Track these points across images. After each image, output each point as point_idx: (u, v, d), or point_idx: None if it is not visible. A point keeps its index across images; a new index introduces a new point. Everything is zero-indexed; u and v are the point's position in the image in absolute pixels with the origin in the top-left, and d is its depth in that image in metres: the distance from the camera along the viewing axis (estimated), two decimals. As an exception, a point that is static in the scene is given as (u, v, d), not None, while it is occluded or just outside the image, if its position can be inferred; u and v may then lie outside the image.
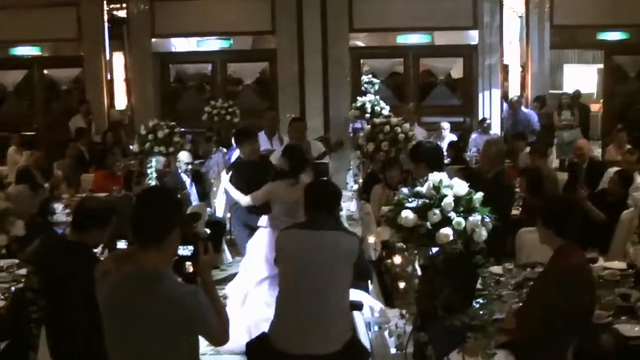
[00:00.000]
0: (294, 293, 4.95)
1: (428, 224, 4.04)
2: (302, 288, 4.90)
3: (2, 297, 5.83)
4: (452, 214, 4.04)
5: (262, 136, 9.98)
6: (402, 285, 6.51)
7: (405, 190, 4.28)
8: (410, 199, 4.15)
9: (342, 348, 4.89)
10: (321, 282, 4.88)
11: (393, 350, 5.46)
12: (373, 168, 9.94)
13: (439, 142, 13.06)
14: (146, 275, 3.56)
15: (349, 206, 13.58)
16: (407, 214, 4.05)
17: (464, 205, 4.09)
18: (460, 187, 4.15)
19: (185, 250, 3.79)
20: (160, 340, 3.53)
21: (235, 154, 9.63)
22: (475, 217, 4.04)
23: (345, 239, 5.07)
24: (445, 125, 13.64)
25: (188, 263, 3.81)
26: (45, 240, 5.55)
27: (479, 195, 4.15)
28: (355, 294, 5.62)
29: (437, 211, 4.03)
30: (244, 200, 7.70)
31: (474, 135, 14.26)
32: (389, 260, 6.93)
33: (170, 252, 3.67)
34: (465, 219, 4.04)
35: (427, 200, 4.11)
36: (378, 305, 5.97)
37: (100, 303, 3.72)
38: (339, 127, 14.98)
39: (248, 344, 5.22)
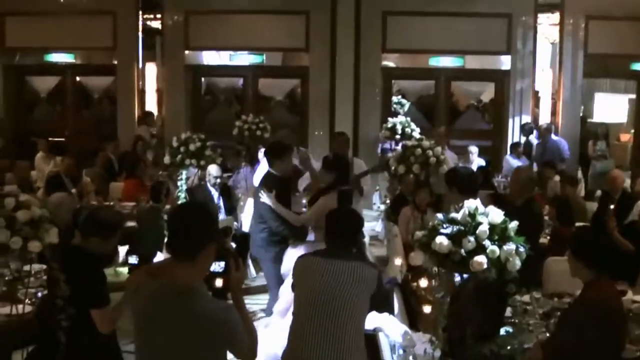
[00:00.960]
0: (306, 323, 4.80)
1: (462, 251, 4.02)
2: (315, 318, 4.76)
3: (29, 302, 5.87)
4: (487, 242, 4.03)
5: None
6: (427, 309, 6.53)
7: (440, 216, 4.27)
8: (445, 225, 4.14)
9: None
10: (335, 313, 4.73)
11: (418, 375, 5.46)
12: (402, 190, 9.94)
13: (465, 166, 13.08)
14: (179, 290, 3.57)
15: (374, 226, 13.56)
16: (442, 240, 4.05)
17: (498, 234, 4.08)
18: (496, 215, 4.13)
19: (216, 266, 3.81)
20: (191, 355, 3.54)
21: (260, 168, 9.66)
22: (510, 246, 4.02)
23: (364, 270, 4.90)
24: (474, 149, 13.58)
25: (218, 279, 3.83)
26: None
27: (514, 224, 4.14)
28: (380, 316, 5.61)
29: (471, 239, 4.02)
30: (297, 220, 7.59)
31: (507, 158, 14.20)
32: (415, 284, 6.94)
33: (204, 267, 3.67)
34: (500, 247, 4.02)
35: (462, 227, 4.10)
36: (403, 328, 5.94)
37: (132, 315, 3.75)
38: (368, 146, 14.98)
39: None
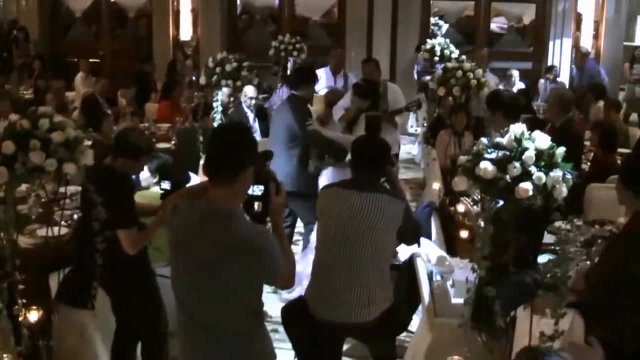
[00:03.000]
0: (329, 256, 4.71)
1: (507, 177, 3.89)
2: (339, 252, 4.66)
3: (65, 224, 5.86)
4: (533, 168, 3.90)
5: (326, 72, 9.85)
6: (464, 233, 6.45)
7: (484, 140, 4.13)
8: (489, 150, 4.00)
9: (376, 318, 4.69)
10: (359, 246, 4.64)
11: (454, 301, 5.40)
12: (440, 113, 9.78)
13: (508, 90, 12.85)
14: (217, 212, 3.49)
15: (410, 149, 13.46)
16: (486, 166, 3.91)
17: (545, 160, 3.94)
18: (543, 140, 3.99)
19: (255, 190, 3.71)
20: (228, 279, 3.48)
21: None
22: (557, 173, 3.88)
23: (389, 202, 4.75)
24: (515, 72, 13.31)
25: (257, 203, 3.74)
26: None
27: (561, 149, 3.99)
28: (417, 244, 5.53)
29: (517, 164, 3.88)
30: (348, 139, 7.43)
31: (541, 82, 13.93)
32: (452, 208, 6.86)
33: (242, 190, 3.58)
34: (546, 174, 3.89)
35: (507, 153, 3.96)
36: (440, 253, 5.87)
37: (169, 238, 3.69)
38: (406, 68, 14.76)
39: (283, 308, 5.00)
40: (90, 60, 15.14)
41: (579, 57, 14.22)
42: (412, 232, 5.06)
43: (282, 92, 11.35)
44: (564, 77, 14.68)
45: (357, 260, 4.61)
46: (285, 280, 3.79)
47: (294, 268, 3.84)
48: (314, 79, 7.62)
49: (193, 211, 3.60)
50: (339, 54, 10.30)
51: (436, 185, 7.72)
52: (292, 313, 4.86)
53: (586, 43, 15.39)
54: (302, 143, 7.29)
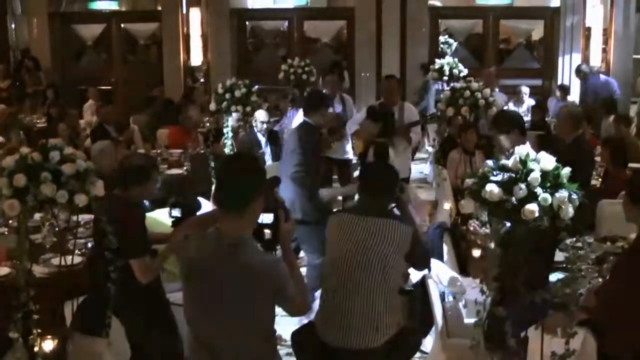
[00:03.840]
0: (337, 282, 4.69)
1: (513, 199, 3.91)
2: (347, 278, 4.64)
3: (78, 252, 5.90)
4: (539, 190, 3.91)
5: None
6: (476, 252, 6.46)
7: (490, 162, 4.15)
8: (495, 172, 4.03)
9: (386, 342, 4.67)
10: (367, 272, 4.62)
11: (467, 321, 5.42)
12: (450, 132, 9.81)
13: (518, 107, 12.86)
14: (229, 241, 3.52)
15: (422, 169, 13.47)
16: (492, 188, 3.93)
17: (551, 181, 3.96)
18: (548, 161, 4.01)
19: (265, 218, 3.75)
20: (240, 308, 3.51)
21: (297, 117, 9.62)
22: (562, 194, 3.90)
23: (397, 228, 4.72)
24: (525, 89, 13.35)
25: (267, 231, 3.77)
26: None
27: (566, 170, 4.01)
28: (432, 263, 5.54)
29: (523, 186, 3.90)
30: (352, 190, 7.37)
31: (552, 101, 13.94)
32: (464, 227, 6.87)
33: (253, 219, 3.62)
34: (552, 194, 3.90)
35: (512, 175, 3.98)
36: (452, 274, 5.89)
37: (180, 268, 3.73)
38: (415, 87, 14.80)
39: (293, 333, 4.96)
40: (102, 87, 15.28)
41: (581, 75, 14.19)
42: (422, 258, 5.05)
43: (292, 115, 11.42)
44: (575, 92, 14.65)
45: (365, 286, 4.59)
46: (298, 308, 3.80)
47: (307, 295, 3.87)
48: (324, 105, 7.62)
49: (204, 241, 3.64)
50: (333, 81, 10.30)
51: (447, 205, 7.74)
52: (302, 338, 4.85)
53: (595, 57, 15.36)
54: (309, 169, 7.23)
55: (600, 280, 5.28)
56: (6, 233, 6.63)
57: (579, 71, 14.16)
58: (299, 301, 3.70)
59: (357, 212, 4.83)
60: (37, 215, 5.20)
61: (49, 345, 4.75)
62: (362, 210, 4.86)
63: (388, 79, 9.76)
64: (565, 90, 13.92)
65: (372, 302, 4.60)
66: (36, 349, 4.69)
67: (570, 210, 3.91)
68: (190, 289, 3.68)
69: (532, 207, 3.86)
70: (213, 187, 8.39)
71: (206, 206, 6.04)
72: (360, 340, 4.59)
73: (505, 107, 11.99)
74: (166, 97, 13.64)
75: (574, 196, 3.96)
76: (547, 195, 3.89)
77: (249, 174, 3.59)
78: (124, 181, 5.06)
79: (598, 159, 8.57)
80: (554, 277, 5.20)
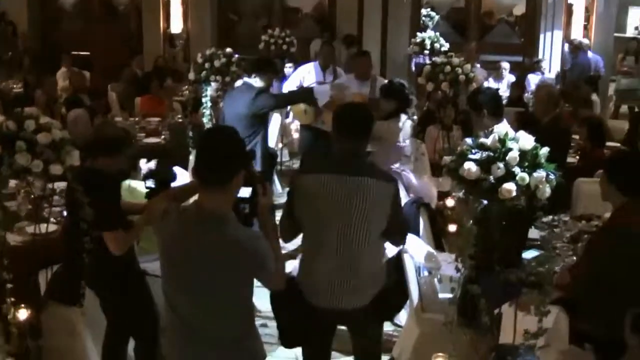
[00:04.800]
0: (320, 244, 4.44)
1: (491, 177, 3.92)
2: (331, 239, 4.38)
3: (54, 221, 5.86)
4: (517, 169, 3.92)
5: (315, 67, 9.84)
6: (452, 227, 6.49)
7: (469, 140, 4.15)
8: (474, 151, 4.02)
9: (370, 302, 4.52)
10: (351, 233, 4.35)
11: (442, 296, 5.44)
12: (429, 107, 9.81)
13: (498, 82, 12.87)
14: (209, 217, 3.49)
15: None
16: (470, 166, 3.93)
17: (529, 160, 3.96)
18: (526, 141, 4.02)
19: (243, 192, 3.72)
20: (220, 283, 3.50)
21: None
22: (540, 173, 3.91)
23: (379, 187, 4.38)
24: (506, 65, 13.33)
25: (245, 205, 3.74)
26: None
27: (544, 150, 4.02)
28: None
29: (501, 165, 3.90)
30: None
31: (529, 76, 13.95)
32: (441, 202, 6.90)
33: (233, 194, 3.59)
34: (530, 174, 3.91)
35: (491, 153, 3.98)
36: (427, 249, 5.91)
37: (159, 243, 3.70)
38: (397, 61, 14.74)
39: (273, 294, 4.67)
40: (80, 53, 15.11)
41: (573, 48, 14.21)
42: (400, 227, 4.70)
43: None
44: (555, 70, 14.67)
45: (349, 247, 4.38)
46: (277, 282, 3.80)
47: (284, 269, 3.84)
48: (268, 69, 7.69)
49: (184, 215, 3.61)
50: (329, 51, 10.22)
51: (425, 180, 7.74)
52: (283, 298, 4.61)
53: (577, 34, 15.38)
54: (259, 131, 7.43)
55: (574, 258, 5.32)
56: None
57: (573, 46, 14.17)
58: (278, 275, 3.71)
59: (334, 171, 4.42)
60: (12, 182, 5.17)
61: (22, 314, 4.73)
62: (339, 167, 4.44)
63: (361, 56, 9.76)
64: (541, 64, 13.90)
65: (357, 262, 4.42)
66: (10, 317, 4.67)
67: (547, 190, 3.93)
68: (169, 264, 3.65)
69: (510, 186, 3.88)
70: (191, 158, 8.37)
71: (182, 176, 6.02)
72: (347, 299, 4.45)
73: (485, 83, 12.00)
74: (136, 71, 13.48)
75: (552, 176, 3.97)
76: (525, 175, 3.90)
77: (231, 148, 3.54)
78: (93, 152, 4.95)
79: (577, 136, 8.60)
80: (528, 254, 5.23)
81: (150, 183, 4.46)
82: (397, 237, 4.75)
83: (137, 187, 6.16)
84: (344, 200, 4.34)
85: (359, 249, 4.40)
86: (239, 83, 9.39)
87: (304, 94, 8.57)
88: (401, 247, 5.24)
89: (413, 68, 14.18)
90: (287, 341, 4.82)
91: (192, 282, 3.54)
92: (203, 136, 3.77)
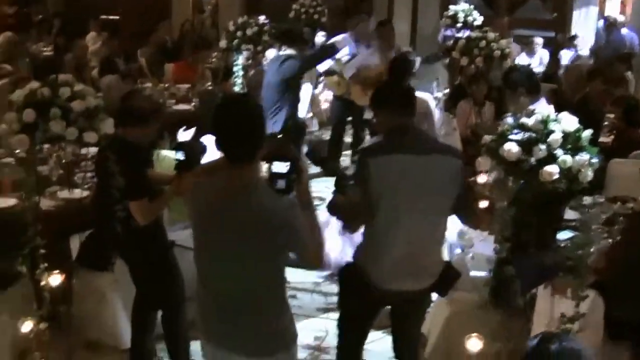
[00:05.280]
0: (396, 225, 4.15)
1: (532, 159, 3.84)
2: (406, 220, 4.11)
3: (86, 186, 5.86)
4: (559, 151, 3.84)
5: (347, 39, 9.74)
6: (483, 204, 6.43)
7: (509, 120, 4.07)
8: (514, 131, 3.95)
9: (436, 280, 4.36)
10: (427, 211, 4.12)
11: (473, 274, 5.40)
12: (461, 81, 9.70)
13: (530, 57, 12.71)
14: (239, 187, 3.43)
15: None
16: (511, 147, 3.86)
17: (571, 143, 3.89)
18: (569, 122, 3.94)
19: (281, 167, 3.63)
20: (251, 253, 3.43)
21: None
22: (583, 157, 3.84)
23: (451, 162, 4.16)
24: (539, 40, 13.14)
25: (281, 180, 3.65)
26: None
27: (587, 132, 3.94)
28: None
29: (543, 147, 3.83)
30: None
31: (562, 52, 13.76)
32: (472, 179, 6.82)
33: (260, 163, 3.51)
34: (572, 157, 3.83)
35: (533, 135, 3.90)
36: (461, 226, 5.85)
37: (191, 216, 3.66)
38: (427, 34, 14.61)
39: (342, 268, 4.52)
40: (109, 17, 15.07)
41: (607, 25, 13.98)
42: (465, 204, 4.40)
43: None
44: (588, 47, 14.44)
45: (422, 228, 4.16)
46: (312, 258, 3.61)
47: (322, 246, 3.66)
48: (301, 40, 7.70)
49: (213, 187, 3.56)
50: (364, 24, 10.02)
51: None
52: (349, 276, 4.45)
53: (613, 9, 15.11)
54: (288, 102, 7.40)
55: (609, 241, 5.24)
56: (13, 163, 6.59)
57: (608, 22, 13.95)
58: (313, 251, 3.56)
59: (403, 150, 4.14)
60: (45, 147, 5.16)
61: (55, 280, 4.73)
62: (407, 145, 4.16)
63: (384, 25, 9.65)
64: (574, 42, 13.70)
65: (429, 241, 4.25)
66: (42, 283, 4.68)
67: (590, 174, 3.86)
68: (201, 235, 3.61)
69: (552, 168, 3.80)
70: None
71: (211, 148, 5.99)
72: (417, 281, 4.28)
73: (517, 58, 11.86)
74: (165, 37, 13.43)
75: (595, 159, 3.90)
76: (567, 158, 3.82)
77: (257, 120, 3.45)
78: (122, 122, 4.85)
79: (611, 115, 8.46)
80: (563, 235, 5.14)
81: (180, 155, 4.38)
82: (464, 212, 4.45)
83: (167, 155, 6.14)
84: (420, 179, 4.09)
85: (432, 228, 4.22)
86: (270, 53, 9.37)
87: (326, 49, 8.51)
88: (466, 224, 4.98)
89: (440, 41, 14.04)
90: (350, 328, 4.60)
91: (222, 253, 3.49)
92: (218, 111, 3.49)
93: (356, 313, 4.49)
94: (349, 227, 4.46)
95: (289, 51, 7.45)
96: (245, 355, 3.57)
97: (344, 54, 9.28)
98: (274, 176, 3.54)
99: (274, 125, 7.17)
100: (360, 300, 4.36)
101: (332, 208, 4.18)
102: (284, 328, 3.67)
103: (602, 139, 7.72)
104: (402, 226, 4.13)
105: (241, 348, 3.58)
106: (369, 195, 4.10)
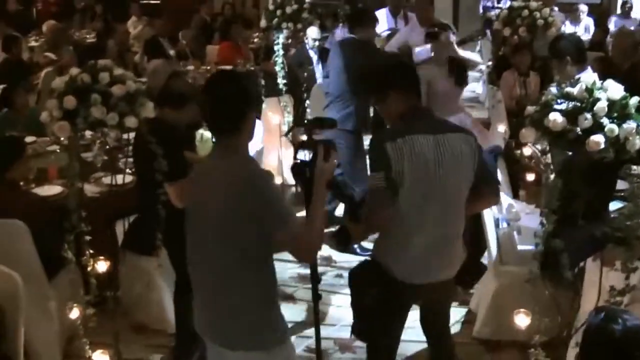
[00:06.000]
0: (421, 214, 3.88)
1: (578, 129, 3.74)
2: (426, 211, 3.88)
3: (129, 171, 5.89)
4: (605, 120, 3.73)
5: (385, 14, 9.63)
6: (530, 177, 6.33)
7: (553, 90, 3.96)
8: (559, 101, 3.84)
9: (460, 268, 4.18)
10: (447, 202, 3.91)
11: (520, 248, 5.32)
12: (505, 52, 9.54)
13: (575, 26, 12.48)
14: (223, 158, 3.38)
15: (474, 87, 13.18)
16: (556, 117, 3.75)
17: (618, 111, 3.77)
18: (615, 90, 3.82)
19: (306, 155, 3.54)
20: (228, 223, 3.26)
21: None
22: (630, 125, 3.72)
23: (465, 139, 3.94)
24: (584, 7, 12.90)
25: (307, 168, 3.55)
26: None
27: (634, 100, 3.82)
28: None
29: (588, 116, 3.72)
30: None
31: (613, 19, 13.47)
32: (519, 151, 6.72)
33: (247, 136, 3.43)
34: (619, 125, 3.72)
35: (578, 104, 3.79)
36: (507, 200, 5.77)
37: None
38: (469, 4, 14.38)
39: (352, 272, 4.22)
40: (151, 2, 15.10)
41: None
42: (489, 181, 4.19)
43: (342, 32, 11.16)
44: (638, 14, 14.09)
45: (445, 216, 3.95)
46: (304, 252, 3.43)
47: (316, 240, 3.42)
48: (371, 20, 7.39)
49: (205, 167, 3.57)
50: None
51: (502, 128, 7.56)
52: (367, 276, 4.15)
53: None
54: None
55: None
56: (58, 151, 6.65)
57: None
58: (305, 243, 3.35)
59: (421, 131, 3.88)
60: (88, 133, 5.18)
61: (102, 266, 4.76)
62: (422, 126, 3.92)
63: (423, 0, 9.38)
64: (627, 7, 13.37)
65: (454, 227, 4.03)
66: (89, 269, 4.71)
67: (638, 142, 3.73)
68: (189, 215, 3.54)
69: (598, 138, 3.68)
70: (263, 106, 8.32)
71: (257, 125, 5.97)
72: (443, 271, 4.10)
73: (563, 27, 11.62)
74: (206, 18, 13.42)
75: (643, 127, 3.78)
76: (614, 126, 3.70)
77: (231, 96, 3.36)
78: (160, 103, 4.89)
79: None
80: (614, 205, 5.01)
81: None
82: (488, 190, 4.18)
83: (210, 136, 6.13)
84: (441, 159, 3.84)
85: (455, 213, 4.01)
86: (311, 31, 9.29)
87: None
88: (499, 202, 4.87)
89: (480, 11, 13.82)
90: (366, 331, 4.25)
91: (205, 228, 3.38)
92: (204, 87, 3.57)
93: (387, 317, 4.14)
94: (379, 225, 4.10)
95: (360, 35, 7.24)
96: (230, 348, 3.44)
97: (382, 30, 9.16)
98: (300, 164, 3.49)
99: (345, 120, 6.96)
100: (388, 300, 4.06)
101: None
102: (269, 322, 3.48)
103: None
104: (428, 210, 3.89)
105: (223, 339, 3.47)
106: (391, 181, 3.83)
